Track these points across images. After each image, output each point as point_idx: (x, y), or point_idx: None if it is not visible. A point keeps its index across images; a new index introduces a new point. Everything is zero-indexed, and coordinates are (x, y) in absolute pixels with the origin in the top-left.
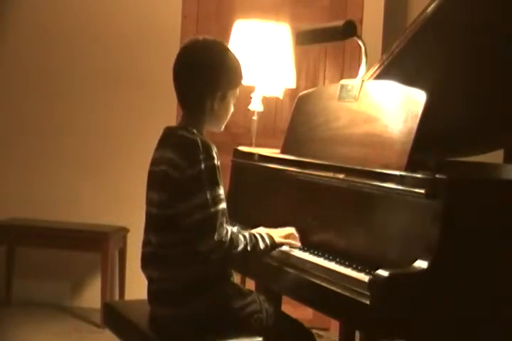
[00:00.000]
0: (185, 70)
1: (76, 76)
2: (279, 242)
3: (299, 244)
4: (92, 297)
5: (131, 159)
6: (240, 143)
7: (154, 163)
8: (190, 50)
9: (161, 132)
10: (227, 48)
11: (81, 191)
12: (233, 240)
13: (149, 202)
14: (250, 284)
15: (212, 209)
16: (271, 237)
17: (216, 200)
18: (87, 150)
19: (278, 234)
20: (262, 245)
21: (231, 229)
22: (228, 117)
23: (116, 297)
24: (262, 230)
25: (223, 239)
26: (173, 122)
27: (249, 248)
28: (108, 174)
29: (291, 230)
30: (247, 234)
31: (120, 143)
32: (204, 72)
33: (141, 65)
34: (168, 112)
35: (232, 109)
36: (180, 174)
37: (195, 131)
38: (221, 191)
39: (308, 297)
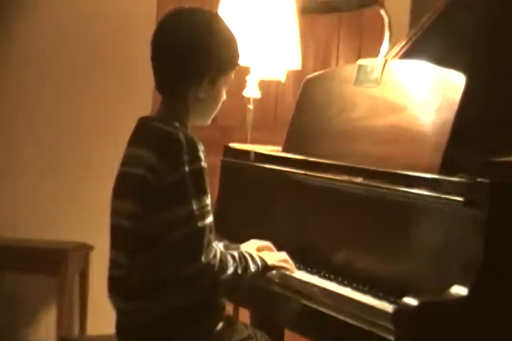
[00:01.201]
0: (166, 48)
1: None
2: (271, 265)
3: (294, 269)
4: (45, 330)
5: (96, 159)
6: (231, 139)
7: (126, 162)
8: (173, 23)
9: (131, 126)
10: (222, 21)
11: (32, 199)
12: (223, 262)
13: (118, 213)
14: (244, 315)
15: (199, 224)
16: (262, 258)
17: (203, 213)
18: (39, 150)
19: (270, 257)
20: (252, 267)
21: (219, 248)
22: (217, 108)
23: (76, 331)
24: (251, 246)
25: (211, 262)
26: (146, 112)
27: (239, 270)
28: (67, 177)
29: (284, 255)
30: (235, 253)
31: (81, 140)
32: (190, 50)
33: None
34: (141, 102)
35: (223, 98)
36: (159, 180)
37: (177, 123)
38: (208, 201)
39: (317, 331)
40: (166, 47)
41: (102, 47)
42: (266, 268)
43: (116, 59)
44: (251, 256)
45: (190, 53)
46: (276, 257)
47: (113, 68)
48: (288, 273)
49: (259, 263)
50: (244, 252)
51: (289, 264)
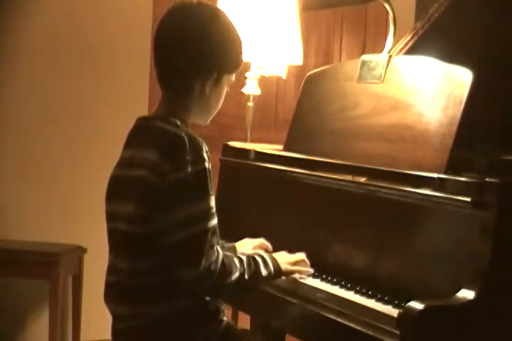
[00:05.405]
0: (173, 39)
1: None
2: (286, 270)
3: (310, 270)
4: (37, 338)
5: (88, 159)
6: (230, 137)
7: (123, 164)
8: (182, 15)
9: (127, 126)
10: (229, 19)
11: (23, 199)
12: (226, 266)
13: (115, 217)
14: (244, 320)
15: (201, 227)
16: (275, 261)
17: (206, 215)
18: (30, 148)
19: (284, 259)
20: (264, 271)
21: (223, 252)
22: (218, 108)
23: (70, 338)
24: (243, 246)
25: (213, 266)
26: (142, 113)
27: (246, 276)
28: (59, 178)
29: (301, 256)
30: (244, 257)
31: (74, 141)
32: (201, 43)
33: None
34: (137, 102)
35: (222, 99)
36: (160, 179)
37: (178, 122)
38: (212, 203)
39: (320, 336)
40: (176, 39)
41: (98, 44)
42: (279, 272)
43: (113, 55)
44: (263, 258)
45: (202, 47)
46: (292, 259)
47: (109, 65)
48: (303, 276)
49: (272, 267)
50: (255, 255)
51: (306, 266)
